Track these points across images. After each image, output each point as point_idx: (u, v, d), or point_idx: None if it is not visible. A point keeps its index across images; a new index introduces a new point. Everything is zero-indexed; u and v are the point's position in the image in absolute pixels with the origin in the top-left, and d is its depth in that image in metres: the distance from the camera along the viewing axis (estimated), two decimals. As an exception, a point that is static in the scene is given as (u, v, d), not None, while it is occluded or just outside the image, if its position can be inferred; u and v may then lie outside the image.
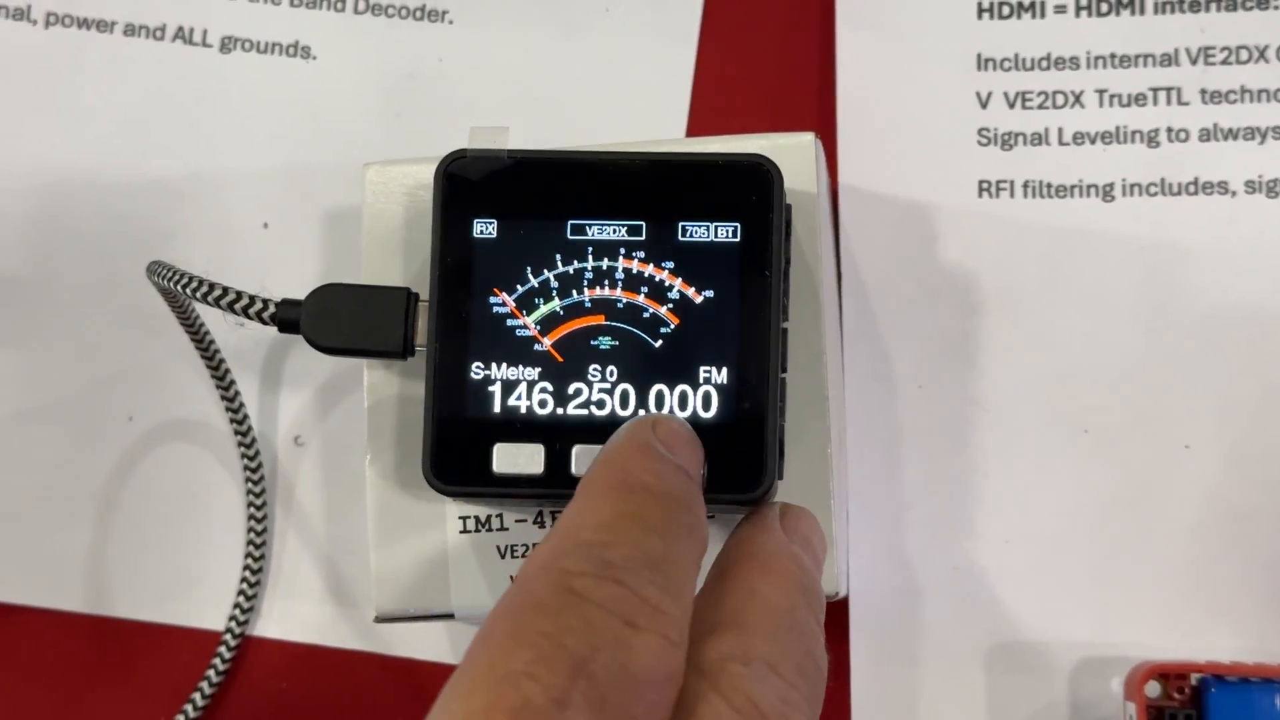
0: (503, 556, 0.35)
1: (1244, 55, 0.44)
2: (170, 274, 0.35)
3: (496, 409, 0.33)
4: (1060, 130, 0.44)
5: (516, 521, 0.35)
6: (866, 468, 0.43)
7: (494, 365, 0.33)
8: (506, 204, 0.33)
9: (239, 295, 0.34)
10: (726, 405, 0.32)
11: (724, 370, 0.32)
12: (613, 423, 0.31)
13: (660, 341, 0.32)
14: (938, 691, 0.43)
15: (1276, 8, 0.44)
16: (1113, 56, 0.44)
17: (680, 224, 0.33)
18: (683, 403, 0.32)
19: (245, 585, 0.45)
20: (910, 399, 0.44)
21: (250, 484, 0.45)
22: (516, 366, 0.33)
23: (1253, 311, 0.43)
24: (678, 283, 0.32)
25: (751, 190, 0.33)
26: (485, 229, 0.33)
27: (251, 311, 0.34)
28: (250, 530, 0.45)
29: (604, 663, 0.25)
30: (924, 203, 0.44)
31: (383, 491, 0.35)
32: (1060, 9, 0.45)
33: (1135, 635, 0.42)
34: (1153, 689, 0.41)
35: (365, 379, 0.35)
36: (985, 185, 0.44)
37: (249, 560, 0.45)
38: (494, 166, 0.33)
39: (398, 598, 0.36)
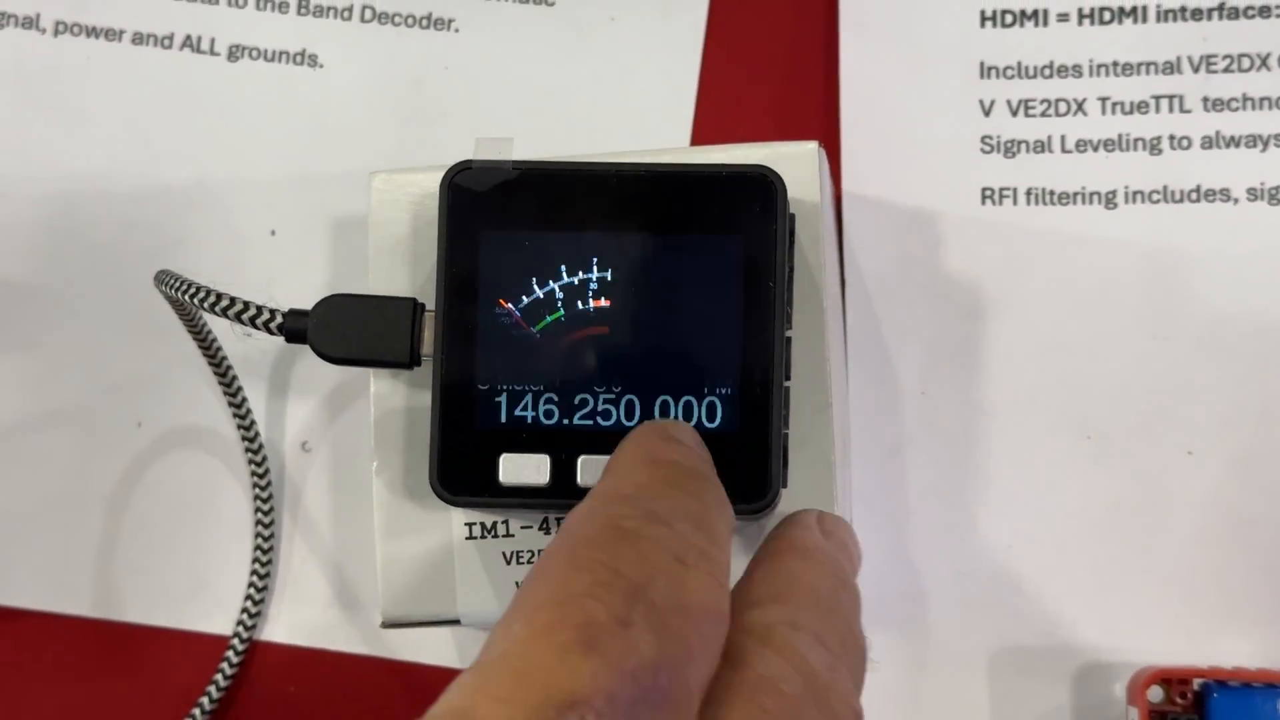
0: (508, 563, 0.35)
1: (1246, 63, 0.44)
2: (178, 284, 0.35)
3: (502, 419, 0.33)
4: (1063, 138, 0.44)
5: (522, 528, 0.35)
6: (871, 473, 0.44)
7: (499, 375, 0.33)
8: (512, 214, 0.33)
9: (246, 305, 0.34)
10: (731, 415, 0.32)
11: (728, 380, 0.32)
12: (618, 433, 0.31)
13: (665, 352, 0.33)
14: (942, 696, 0.43)
15: (1278, 16, 0.44)
16: (1115, 64, 0.44)
17: (684, 234, 0.33)
18: (687, 412, 0.32)
19: (253, 590, 0.45)
20: (914, 405, 0.44)
21: (258, 490, 0.45)
22: (522, 377, 0.33)
23: (1255, 318, 0.43)
24: (682, 292, 0.33)
25: (755, 200, 0.33)
26: (491, 240, 0.33)
27: (259, 322, 0.34)
28: (258, 535, 0.45)
29: (661, 590, 0.25)
30: (927, 210, 0.44)
31: (389, 499, 0.36)
32: (1063, 17, 0.45)
33: (1139, 640, 0.42)
34: (1155, 694, 0.41)
35: (372, 389, 0.36)
36: (988, 193, 0.44)
37: (256, 565, 0.45)
38: (499, 178, 0.33)
39: (403, 603, 0.36)
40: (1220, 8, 0.44)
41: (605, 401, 0.33)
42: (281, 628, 0.45)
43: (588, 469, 0.32)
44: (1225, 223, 0.43)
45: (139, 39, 0.47)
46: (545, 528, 0.35)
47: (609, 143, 0.45)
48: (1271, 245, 0.43)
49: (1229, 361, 0.43)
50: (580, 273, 0.33)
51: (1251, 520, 0.42)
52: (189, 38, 0.47)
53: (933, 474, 0.43)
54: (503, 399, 0.33)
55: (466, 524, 0.36)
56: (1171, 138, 0.44)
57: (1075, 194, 0.44)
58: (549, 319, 0.33)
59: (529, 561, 0.35)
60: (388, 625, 0.36)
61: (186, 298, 0.35)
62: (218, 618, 0.45)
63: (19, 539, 0.46)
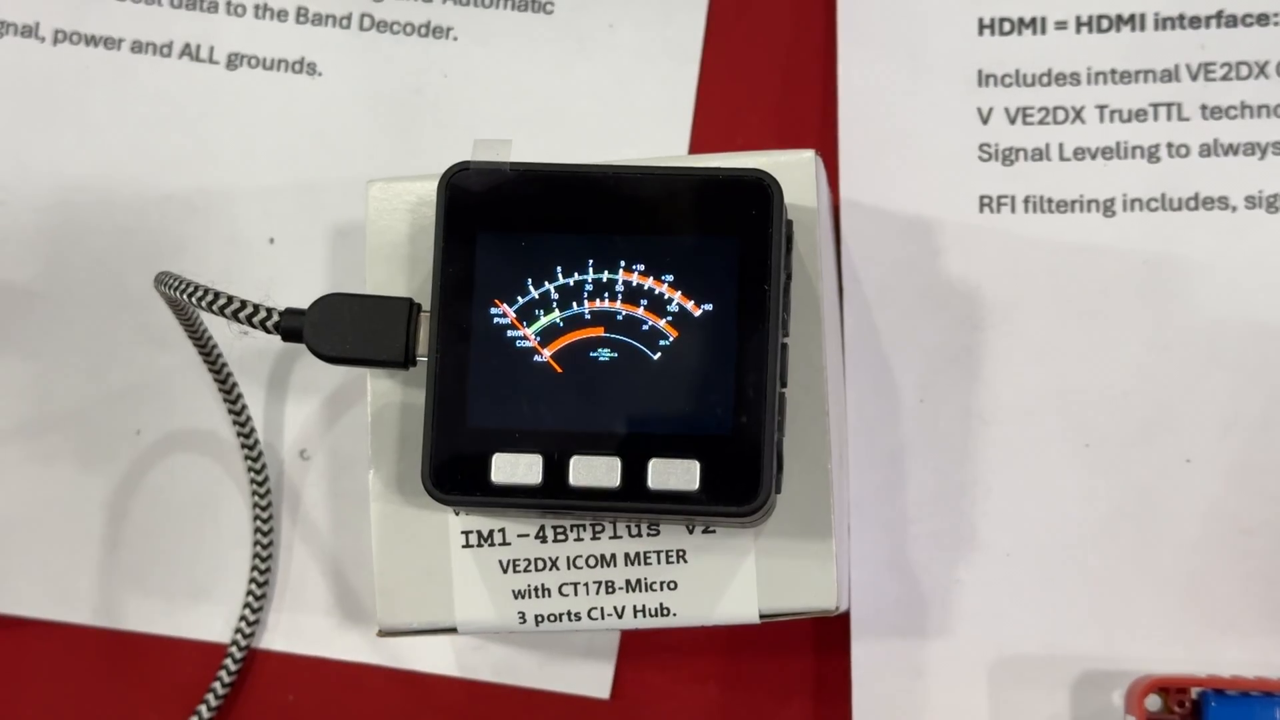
0: (505, 571, 0.35)
1: (1244, 71, 0.44)
2: (177, 283, 0.36)
3: (495, 419, 0.33)
4: (1061, 146, 0.44)
5: (519, 536, 0.35)
6: (869, 481, 0.44)
7: (494, 376, 0.33)
8: (509, 216, 0.33)
9: (244, 304, 0.35)
10: (724, 418, 0.32)
11: (722, 383, 0.32)
12: (610, 434, 0.31)
13: (659, 354, 0.33)
14: (939, 705, 0.43)
15: (1276, 24, 0.44)
16: (1113, 72, 0.44)
17: (681, 238, 0.33)
18: (680, 415, 0.32)
19: (251, 598, 0.45)
20: (912, 412, 0.44)
21: (257, 497, 0.45)
22: (515, 377, 0.33)
23: (1254, 325, 0.43)
24: (677, 296, 0.33)
25: (751, 205, 0.33)
26: (487, 240, 0.33)
27: (255, 320, 0.34)
28: (257, 543, 0.45)
29: None
30: (925, 218, 0.44)
31: (386, 504, 0.36)
32: (1061, 25, 0.45)
33: (1137, 649, 0.42)
34: (1153, 702, 0.41)
35: (369, 389, 0.36)
36: (986, 200, 0.44)
37: (255, 573, 0.45)
38: (497, 179, 0.33)
39: (400, 612, 0.36)
40: (1218, 16, 0.44)
41: (598, 403, 0.33)
42: (280, 635, 0.45)
43: (579, 469, 0.32)
44: (1223, 230, 0.43)
45: (138, 47, 0.47)
46: (542, 536, 0.35)
47: (607, 151, 0.45)
48: (1270, 253, 0.43)
49: (1228, 369, 0.43)
50: (575, 274, 0.33)
51: (1250, 529, 0.42)
52: (188, 46, 0.47)
53: (931, 482, 0.43)
54: (496, 399, 0.33)
55: (464, 532, 0.36)
56: (1169, 145, 0.44)
57: (1073, 202, 0.44)
58: (543, 320, 0.33)
59: (525, 570, 0.35)
60: (384, 634, 0.36)
61: (185, 297, 0.35)
62: (217, 625, 0.45)
63: (17, 547, 0.46)
